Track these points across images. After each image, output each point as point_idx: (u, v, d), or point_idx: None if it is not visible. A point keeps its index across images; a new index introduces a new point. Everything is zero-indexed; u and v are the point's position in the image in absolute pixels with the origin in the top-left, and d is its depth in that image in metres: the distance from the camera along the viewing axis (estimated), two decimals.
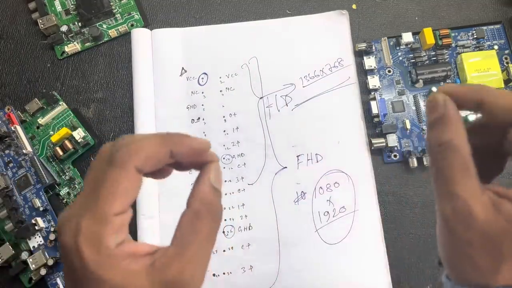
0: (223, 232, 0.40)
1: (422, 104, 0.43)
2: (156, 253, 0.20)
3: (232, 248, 0.40)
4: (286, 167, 0.42)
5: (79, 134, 0.42)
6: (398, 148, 0.42)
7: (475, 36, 0.44)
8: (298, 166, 0.42)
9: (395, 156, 0.42)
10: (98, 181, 0.19)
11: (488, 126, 0.23)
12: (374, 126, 0.43)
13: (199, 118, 0.43)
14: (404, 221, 0.41)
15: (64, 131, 0.42)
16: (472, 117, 0.41)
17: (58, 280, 0.39)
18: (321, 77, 0.44)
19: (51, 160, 0.43)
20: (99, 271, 0.18)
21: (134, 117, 0.42)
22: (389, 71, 0.44)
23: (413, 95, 0.43)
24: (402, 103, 0.43)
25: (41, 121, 0.43)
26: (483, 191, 0.20)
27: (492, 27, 0.45)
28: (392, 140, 0.41)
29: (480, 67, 0.42)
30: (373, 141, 0.41)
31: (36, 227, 0.39)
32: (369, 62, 0.43)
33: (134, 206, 0.40)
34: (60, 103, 0.44)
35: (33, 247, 0.40)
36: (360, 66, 0.44)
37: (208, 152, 0.23)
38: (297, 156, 0.42)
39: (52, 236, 0.40)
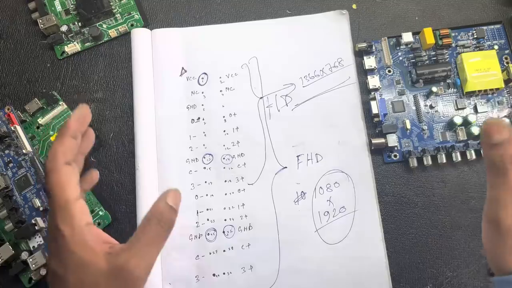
0: (223, 232, 0.40)
1: (422, 104, 0.43)
2: (114, 245, 0.27)
3: (232, 248, 0.40)
4: (286, 167, 0.42)
5: None
6: (398, 148, 0.42)
7: (475, 36, 0.44)
8: (298, 166, 0.42)
9: (395, 156, 0.42)
10: (49, 187, 0.26)
11: None
12: (374, 126, 0.43)
13: (199, 118, 0.43)
14: (404, 221, 0.41)
15: None
16: (472, 117, 0.41)
17: None
18: (321, 77, 0.44)
19: None
20: (73, 245, 0.25)
21: (134, 117, 0.42)
22: (389, 71, 0.44)
23: (413, 95, 0.43)
24: (402, 103, 0.43)
25: (41, 121, 0.43)
26: None
27: (492, 27, 0.45)
28: (392, 140, 0.41)
29: (480, 67, 0.42)
30: (373, 141, 0.41)
31: (36, 227, 0.39)
32: (369, 62, 0.43)
33: (134, 206, 0.41)
34: (60, 103, 0.44)
35: (33, 247, 0.40)
36: (360, 66, 0.44)
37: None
38: (297, 156, 0.42)
39: None
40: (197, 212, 0.41)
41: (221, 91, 0.44)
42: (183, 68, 0.44)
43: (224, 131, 0.43)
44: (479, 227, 0.28)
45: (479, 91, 0.42)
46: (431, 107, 0.43)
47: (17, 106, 0.44)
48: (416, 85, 0.43)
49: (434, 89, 0.42)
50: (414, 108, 0.43)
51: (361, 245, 0.40)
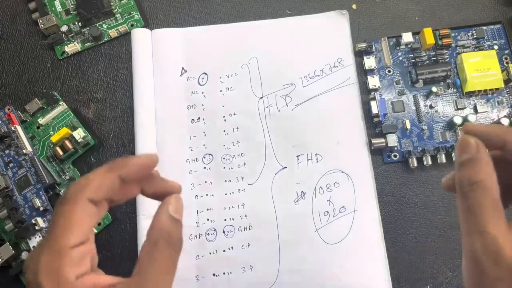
0: (223, 232, 0.40)
1: (422, 104, 0.43)
2: (117, 285, 0.21)
3: (232, 248, 0.40)
4: (286, 167, 0.42)
5: (79, 134, 0.42)
6: (398, 148, 0.42)
7: (475, 36, 0.44)
8: (298, 166, 0.42)
9: (395, 156, 0.42)
10: (53, 219, 0.21)
11: (509, 164, 0.24)
12: (374, 126, 0.43)
13: (199, 118, 0.43)
14: (404, 221, 0.41)
15: (64, 131, 0.42)
16: (472, 117, 0.41)
17: None
18: (321, 77, 0.44)
19: (51, 160, 0.43)
20: None
21: (134, 117, 0.42)
22: (389, 71, 0.44)
23: (413, 95, 0.43)
24: (402, 103, 0.43)
25: (41, 121, 0.43)
26: (510, 230, 0.21)
27: (492, 27, 0.45)
28: (392, 140, 0.41)
29: (480, 67, 0.42)
30: (373, 141, 0.41)
31: (36, 227, 0.40)
32: (369, 62, 0.43)
33: (134, 206, 0.41)
34: (60, 103, 0.44)
35: (33, 247, 0.40)
36: (360, 66, 0.44)
37: (170, 183, 0.24)
38: (297, 156, 0.42)
39: None
40: (197, 212, 0.41)
41: (221, 91, 0.44)
42: (183, 68, 0.44)
43: (224, 131, 0.43)
44: None
45: (479, 91, 0.42)
46: (431, 107, 0.43)
47: (17, 106, 0.44)
48: (416, 85, 0.43)
49: (434, 89, 0.42)
50: (414, 108, 0.43)
51: (361, 245, 0.40)
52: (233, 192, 0.41)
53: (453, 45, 0.44)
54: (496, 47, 0.44)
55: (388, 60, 0.44)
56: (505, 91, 0.43)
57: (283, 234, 0.40)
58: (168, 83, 0.44)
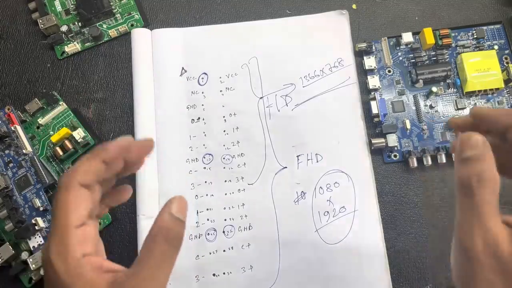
0: (223, 232, 0.40)
1: (422, 104, 0.43)
2: (118, 272, 0.23)
3: (232, 248, 0.40)
4: (286, 167, 0.42)
5: (79, 134, 0.42)
6: (398, 148, 0.42)
7: (475, 36, 0.44)
8: (298, 166, 0.42)
9: (395, 156, 0.42)
10: (53, 207, 0.24)
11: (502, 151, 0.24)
12: (374, 126, 0.43)
13: (199, 118, 0.43)
14: (404, 221, 0.41)
15: (64, 131, 0.42)
16: None
17: None
18: (321, 77, 0.44)
19: (51, 160, 0.43)
20: (68, 279, 0.22)
21: (134, 117, 0.42)
22: (389, 71, 0.44)
23: (413, 95, 0.43)
24: (402, 103, 0.43)
25: (41, 121, 0.43)
26: (504, 225, 0.22)
27: (492, 27, 0.45)
28: (392, 140, 0.41)
29: (480, 67, 0.42)
30: (373, 141, 0.41)
31: (36, 227, 0.39)
32: (369, 62, 0.43)
33: (134, 206, 0.41)
34: (60, 103, 0.44)
35: (33, 247, 0.40)
36: (360, 66, 0.44)
37: (142, 141, 0.26)
38: (297, 156, 0.42)
39: None
40: (197, 212, 0.41)
41: (221, 91, 0.44)
42: (183, 68, 0.44)
43: (224, 131, 0.43)
44: None
45: (479, 91, 0.42)
46: (431, 107, 0.43)
47: (17, 106, 0.44)
48: (416, 85, 0.43)
49: (434, 89, 0.42)
50: (414, 108, 0.43)
51: (361, 245, 0.40)
52: (233, 192, 0.41)
53: (453, 45, 0.44)
54: (496, 47, 0.44)
55: (388, 60, 0.44)
56: (505, 91, 0.43)
57: (283, 234, 0.40)
58: (168, 83, 0.44)
